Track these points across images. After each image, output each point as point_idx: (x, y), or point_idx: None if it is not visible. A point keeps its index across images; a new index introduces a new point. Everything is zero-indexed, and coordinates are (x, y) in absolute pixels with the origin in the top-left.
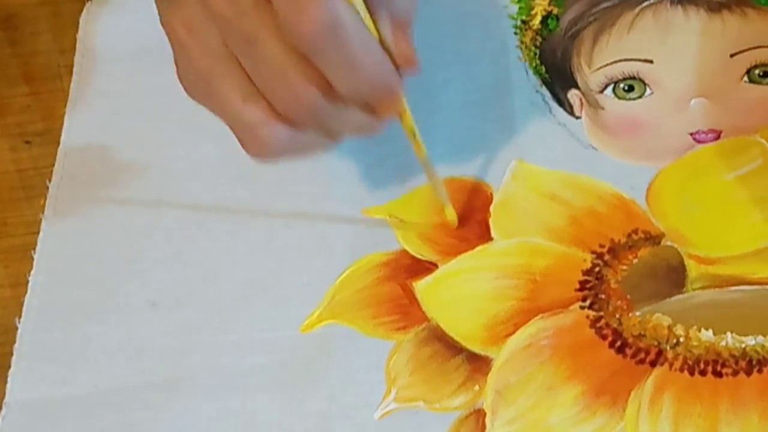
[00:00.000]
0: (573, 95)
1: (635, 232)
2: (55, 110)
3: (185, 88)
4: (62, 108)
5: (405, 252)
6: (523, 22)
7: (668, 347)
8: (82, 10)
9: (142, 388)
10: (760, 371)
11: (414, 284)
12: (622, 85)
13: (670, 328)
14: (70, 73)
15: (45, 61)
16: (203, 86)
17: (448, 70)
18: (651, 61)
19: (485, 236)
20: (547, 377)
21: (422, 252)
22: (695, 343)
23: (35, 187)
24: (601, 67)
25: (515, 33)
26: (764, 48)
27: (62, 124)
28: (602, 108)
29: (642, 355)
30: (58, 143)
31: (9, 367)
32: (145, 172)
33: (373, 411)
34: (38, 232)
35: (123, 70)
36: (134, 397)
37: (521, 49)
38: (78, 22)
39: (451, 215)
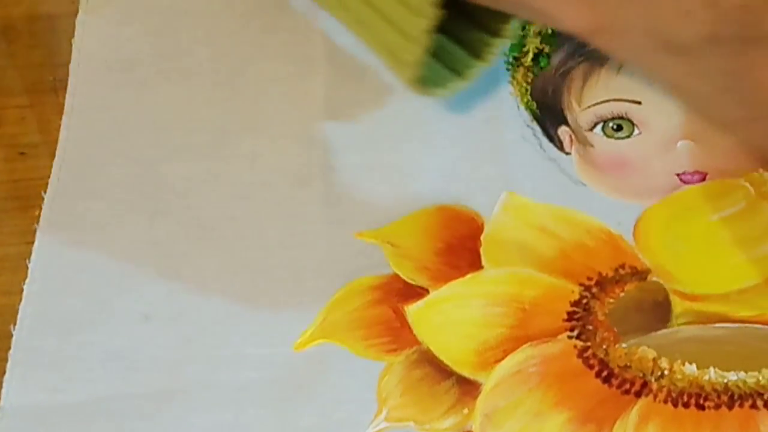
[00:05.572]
0: (563, 132)
1: (622, 266)
2: (50, 123)
3: None
4: (58, 120)
5: (397, 276)
6: (515, 58)
7: (653, 379)
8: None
9: (136, 398)
10: (741, 406)
11: (405, 308)
12: (611, 124)
13: (655, 360)
14: (66, 86)
15: (41, 74)
16: None
17: (441, 102)
18: (639, 102)
19: (476, 264)
20: (535, 403)
21: (414, 277)
22: (679, 376)
23: (30, 198)
24: (590, 106)
25: (507, 69)
26: None
27: (57, 136)
28: (591, 145)
29: (627, 386)
30: (53, 155)
31: (4, 373)
32: (140, 185)
33: (365, 429)
34: (33, 242)
35: (118, 83)
36: (129, 407)
37: (513, 84)
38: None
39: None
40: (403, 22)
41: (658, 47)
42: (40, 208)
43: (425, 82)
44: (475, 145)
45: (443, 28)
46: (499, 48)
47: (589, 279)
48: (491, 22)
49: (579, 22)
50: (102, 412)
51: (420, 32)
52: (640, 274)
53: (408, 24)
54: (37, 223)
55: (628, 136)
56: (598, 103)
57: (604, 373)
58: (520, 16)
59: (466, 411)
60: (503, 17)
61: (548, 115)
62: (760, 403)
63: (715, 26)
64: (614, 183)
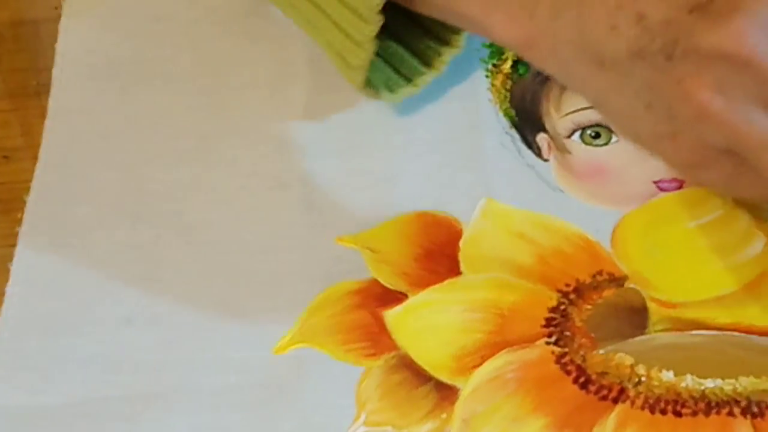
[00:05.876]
0: (541, 139)
1: (600, 273)
2: (33, 126)
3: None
4: (41, 124)
5: (376, 281)
6: (494, 65)
7: (630, 385)
8: None
9: (116, 401)
10: (718, 413)
11: (384, 313)
12: (588, 132)
13: (632, 367)
14: (49, 90)
15: (24, 79)
16: None
17: (422, 108)
18: None
19: (454, 270)
20: (513, 409)
21: (392, 282)
22: (656, 383)
23: (13, 201)
24: (568, 113)
25: (486, 76)
26: None
27: (40, 140)
28: (569, 152)
29: (605, 392)
30: (36, 159)
31: None
32: (122, 189)
33: None
34: (15, 245)
35: (100, 88)
36: (109, 409)
37: (492, 91)
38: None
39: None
40: (350, 27)
41: (587, 61)
42: (23, 212)
43: (375, 86)
44: (454, 152)
45: (395, 35)
46: (450, 57)
47: (567, 285)
48: (443, 31)
49: (512, 35)
50: (83, 414)
51: (366, 38)
52: (617, 281)
53: (354, 29)
54: (20, 226)
55: (606, 144)
56: (576, 111)
57: (582, 379)
58: (459, 26)
59: (444, 416)
60: (455, 27)
61: (527, 122)
62: (737, 410)
63: (640, 41)
64: (592, 190)
